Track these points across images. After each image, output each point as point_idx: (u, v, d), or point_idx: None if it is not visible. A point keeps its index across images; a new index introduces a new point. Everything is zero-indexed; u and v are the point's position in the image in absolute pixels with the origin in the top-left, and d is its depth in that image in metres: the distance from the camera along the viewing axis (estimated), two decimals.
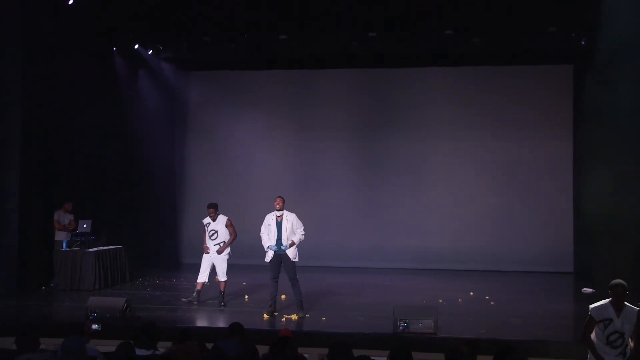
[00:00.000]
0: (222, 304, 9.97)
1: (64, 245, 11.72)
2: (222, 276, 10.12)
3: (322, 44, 13.92)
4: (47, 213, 11.89)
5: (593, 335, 5.90)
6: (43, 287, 11.58)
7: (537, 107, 14.84)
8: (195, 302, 10.03)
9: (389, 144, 15.49)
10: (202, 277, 10.18)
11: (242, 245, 14.99)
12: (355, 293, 11.51)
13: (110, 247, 12.37)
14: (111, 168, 13.79)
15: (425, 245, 14.94)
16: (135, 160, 14.63)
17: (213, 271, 10.29)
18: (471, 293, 11.51)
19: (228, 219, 10.16)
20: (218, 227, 10.08)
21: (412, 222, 15.20)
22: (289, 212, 9.38)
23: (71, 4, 11.87)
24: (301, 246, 9.43)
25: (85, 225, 11.93)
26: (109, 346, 5.90)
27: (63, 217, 12.03)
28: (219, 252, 10.07)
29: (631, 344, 5.80)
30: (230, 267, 14.22)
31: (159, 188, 15.09)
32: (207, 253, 10.13)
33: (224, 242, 10.08)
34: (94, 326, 8.06)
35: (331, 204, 15.32)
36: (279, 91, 15.92)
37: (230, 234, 10.14)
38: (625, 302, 5.78)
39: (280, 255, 9.26)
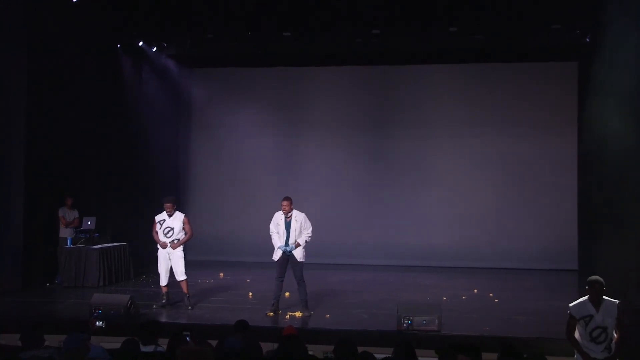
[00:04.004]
0: (189, 306, 9.63)
1: (69, 242, 11.76)
2: (180, 275, 9.62)
3: (326, 41, 13.91)
4: (52, 210, 11.94)
5: (577, 334, 5.95)
6: (48, 284, 11.63)
7: (541, 104, 14.82)
8: (167, 306, 9.67)
9: (392, 142, 15.49)
10: (164, 281, 9.73)
11: (246, 242, 15.13)
12: (359, 290, 11.50)
13: (115, 244, 12.42)
14: (115, 165, 13.80)
15: (428, 243, 14.93)
16: (140, 156, 14.63)
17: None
18: (475, 290, 11.51)
19: (185, 216, 9.72)
20: (174, 224, 9.59)
21: (416, 219, 15.18)
22: (298, 212, 9.25)
23: (75, 1, 11.87)
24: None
25: (89, 222, 11.98)
26: (114, 343, 5.91)
27: (68, 213, 12.08)
28: (174, 247, 9.57)
29: (615, 337, 5.82)
30: (234, 265, 14.40)
31: (162, 185, 15.08)
32: (165, 247, 9.59)
33: (179, 239, 9.65)
34: (99, 323, 8.08)
35: (334, 201, 15.31)
36: (283, 88, 15.92)
37: (186, 232, 9.65)
38: (604, 297, 5.82)
39: (287, 255, 9.21)
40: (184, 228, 9.66)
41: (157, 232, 9.70)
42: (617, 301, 5.86)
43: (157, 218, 9.75)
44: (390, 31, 13.26)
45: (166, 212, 9.66)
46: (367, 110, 15.60)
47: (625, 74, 10.50)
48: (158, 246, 9.74)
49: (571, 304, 5.97)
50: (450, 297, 10.68)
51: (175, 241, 9.61)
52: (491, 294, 11.11)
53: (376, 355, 5.06)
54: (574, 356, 6.11)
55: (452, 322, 8.46)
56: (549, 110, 14.80)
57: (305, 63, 15.56)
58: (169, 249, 9.63)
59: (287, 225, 9.18)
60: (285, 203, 9.19)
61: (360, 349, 5.17)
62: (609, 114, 11.52)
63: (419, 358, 5.16)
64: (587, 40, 13.16)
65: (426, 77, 15.40)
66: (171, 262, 9.68)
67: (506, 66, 15.04)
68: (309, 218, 9.34)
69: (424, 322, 8.01)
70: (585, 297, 5.88)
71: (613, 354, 5.81)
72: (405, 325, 7.99)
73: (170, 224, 9.63)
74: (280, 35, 13.48)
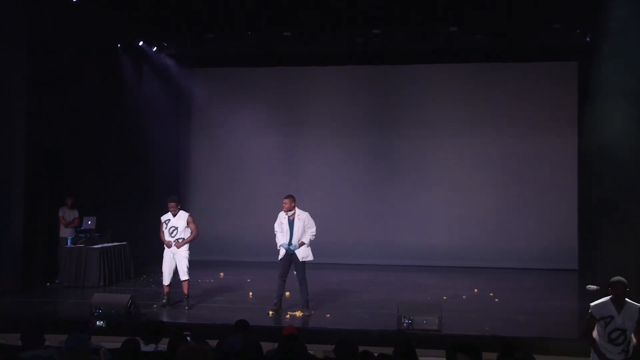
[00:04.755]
0: (186, 307, 9.59)
1: (69, 242, 11.76)
2: (183, 275, 9.59)
3: (326, 41, 13.91)
4: (52, 210, 11.94)
5: (595, 334, 5.92)
6: (48, 284, 11.63)
7: (542, 104, 14.83)
8: (168, 306, 9.67)
9: (393, 141, 15.49)
10: (167, 280, 9.71)
11: (246, 242, 15.15)
12: (359, 290, 11.50)
13: (115, 243, 12.41)
14: (115, 165, 13.81)
15: (429, 242, 14.93)
16: (140, 156, 14.64)
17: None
18: (475, 290, 11.50)
19: (189, 216, 9.71)
20: (178, 224, 9.60)
21: (416, 219, 15.18)
22: (301, 211, 9.24)
23: (75, 1, 11.88)
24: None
25: (89, 222, 11.98)
26: (114, 342, 5.91)
27: (68, 213, 12.08)
28: (178, 246, 9.57)
29: (634, 340, 5.79)
30: (235, 264, 14.40)
31: (162, 184, 15.10)
32: (170, 247, 9.62)
33: (183, 238, 9.64)
34: (99, 323, 8.08)
35: (334, 201, 15.31)
36: (283, 88, 15.93)
37: (191, 231, 9.65)
38: (626, 299, 5.78)
39: (291, 254, 9.21)
40: (188, 227, 9.68)
41: (163, 232, 9.74)
42: None
43: (163, 218, 9.79)
44: (391, 31, 13.27)
45: (170, 211, 9.69)
46: (367, 110, 15.60)
47: (626, 73, 10.52)
48: (164, 245, 9.78)
49: (592, 303, 5.91)
50: (451, 297, 10.68)
51: (180, 240, 9.63)
52: (491, 294, 11.11)
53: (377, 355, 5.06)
54: (589, 356, 6.09)
55: (453, 321, 8.46)
56: (549, 110, 14.81)
57: (306, 63, 15.57)
58: (173, 248, 9.65)
59: (291, 224, 9.19)
60: (285, 201, 9.21)
61: (360, 349, 5.16)
62: (609, 114, 11.53)
63: (420, 358, 5.15)
64: (588, 40, 13.17)
65: (426, 77, 15.41)
66: (175, 261, 9.70)
67: (506, 66, 15.04)
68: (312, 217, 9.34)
69: (424, 321, 8.01)
70: (607, 298, 5.82)
71: (630, 356, 5.78)
72: (405, 324, 7.99)
73: (175, 224, 9.66)
74: (280, 35, 13.49)
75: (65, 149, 12.13)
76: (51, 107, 11.67)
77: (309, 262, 9.33)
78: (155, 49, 14.93)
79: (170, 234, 9.64)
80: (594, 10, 11.88)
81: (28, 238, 11.17)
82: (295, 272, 9.28)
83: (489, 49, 14.22)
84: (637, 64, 10.11)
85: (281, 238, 9.24)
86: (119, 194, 13.80)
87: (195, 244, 9.95)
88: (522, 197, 14.91)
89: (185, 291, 9.71)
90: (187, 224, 9.66)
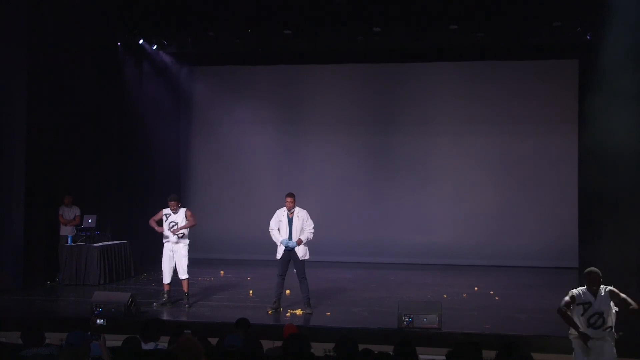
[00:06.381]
0: (187, 305, 9.59)
1: (69, 240, 11.77)
2: (182, 273, 9.63)
3: (327, 39, 13.90)
4: (53, 208, 11.95)
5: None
6: (48, 282, 11.64)
7: (542, 102, 14.82)
8: (168, 305, 9.67)
9: (393, 139, 15.49)
10: (167, 278, 9.74)
11: (246, 240, 15.15)
12: (360, 288, 11.51)
13: (115, 242, 12.42)
14: (116, 163, 13.80)
15: (429, 241, 14.94)
16: (140, 154, 14.62)
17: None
18: (476, 288, 11.50)
19: (188, 210, 9.76)
20: (178, 219, 9.62)
21: (417, 217, 15.19)
22: (300, 209, 9.24)
23: None
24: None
25: (90, 220, 11.98)
26: (114, 341, 5.91)
27: (67, 212, 12.08)
28: (174, 233, 9.52)
29: (634, 304, 6.11)
30: (235, 263, 14.41)
31: (163, 182, 15.10)
32: (167, 240, 9.66)
33: (184, 234, 9.62)
34: (99, 321, 8.08)
35: (335, 198, 15.32)
36: (284, 86, 15.93)
37: (189, 221, 9.66)
38: (601, 286, 6.30)
39: (289, 252, 9.20)
40: (187, 220, 9.69)
41: (154, 220, 9.77)
42: (610, 287, 6.30)
43: (164, 211, 9.80)
44: (391, 29, 13.25)
45: (171, 210, 9.71)
46: (367, 108, 15.60)
47: (626, 71, 10.49)
48: (164, 243, 9.77)
49: (573, 290, 6.38)
50: (451, 295, 10.68)
51: (179, 234, 9.58)
52: (492, 292, 11.12)
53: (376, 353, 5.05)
54: (571, 354, 6.21)
55: (453, 320, 8.47)
56: (550, 108, 14.80)
57: (306, 61, 15.55)
58: (173, 246, 9.67)
59: (290, 222, 9.17)
60: (289, 199, 9.18)
61: (360, 347, 5.17)
62: (609, 112, 11.50)
63: (420, 356, 5.15)
64: (588, 37, 13.14)
65: (427, 74, 15.40)
66: (175, 260, 9.70)
67: (507, 64, 15.02)
68: (310, 215, 9.32)
69: (425, 319, 8.01)
70: (584, 287, 6.34)
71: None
72: (405, 323, 7.99)
73: (175, 219, 9.68)
74: (281, 33, 13.47)
75: (65, 148, 12.12)
76: (51, 105, 11.66)
77: (309, 260, 9.32)
78: (155, 47, 14.92)
79: (170, 228, 9.65)
80: (595, 8, 11.86)
81: (28, 236, 11.18)
82: (295, 271, 9.28)
83: (489, 47, 14.21)
84: (638, 62, 10.09)
85: (278, 235, 9.21)
86: (119, 192, 13.79)
87: (195, 242, 9.95)
88: (522, 195, 14.91)
89: (185, 289, 9.71)
90: (186, 217, 9.67)
